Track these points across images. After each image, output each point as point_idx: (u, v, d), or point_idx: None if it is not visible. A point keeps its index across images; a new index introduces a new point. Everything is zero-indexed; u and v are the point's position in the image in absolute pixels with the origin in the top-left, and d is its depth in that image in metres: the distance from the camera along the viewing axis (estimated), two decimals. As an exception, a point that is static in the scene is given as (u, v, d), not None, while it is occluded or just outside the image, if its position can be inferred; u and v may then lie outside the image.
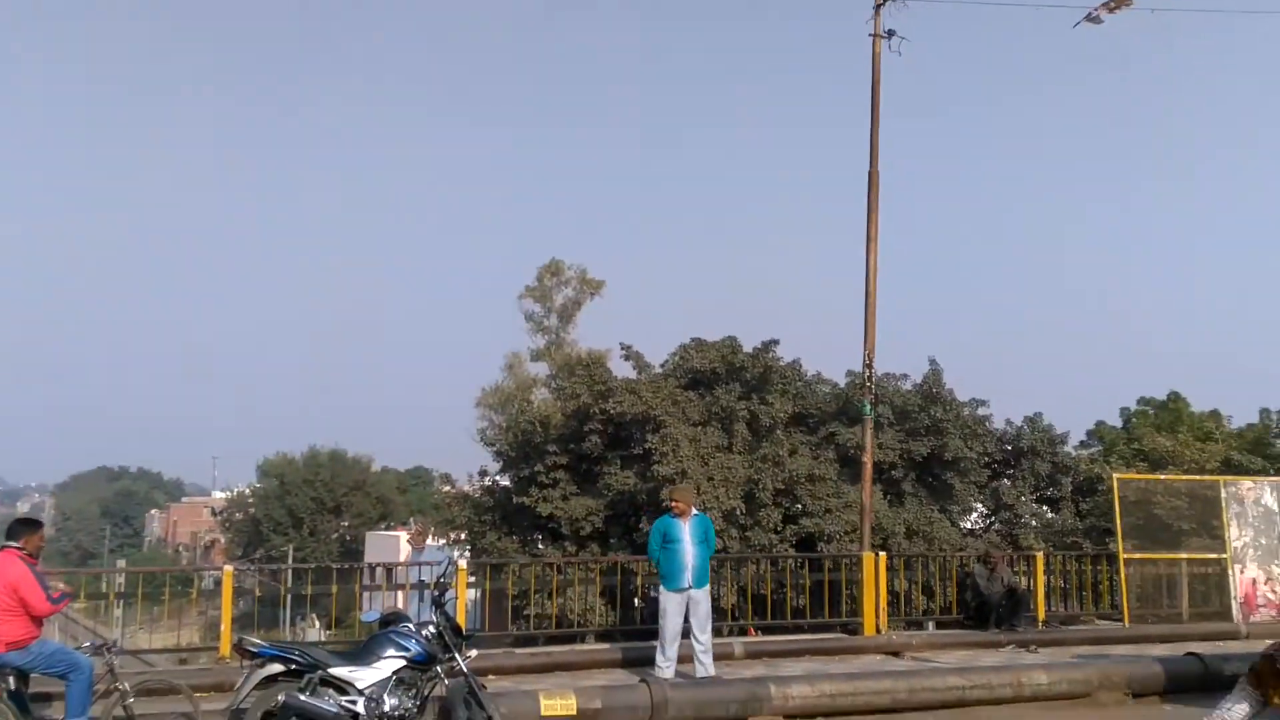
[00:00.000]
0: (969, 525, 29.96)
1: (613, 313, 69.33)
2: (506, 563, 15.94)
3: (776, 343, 29.32)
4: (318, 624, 46.84)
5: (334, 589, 13.66)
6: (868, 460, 16.47)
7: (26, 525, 8.45)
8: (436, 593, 8.79)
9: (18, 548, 8.13)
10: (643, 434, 26.50)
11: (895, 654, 14.05)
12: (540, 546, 27.94)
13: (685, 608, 11.26)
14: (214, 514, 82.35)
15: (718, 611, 14.40)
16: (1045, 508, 30.74)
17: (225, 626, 11.91)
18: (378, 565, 14.24)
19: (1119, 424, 35.90)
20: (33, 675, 8.16)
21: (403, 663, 8.19)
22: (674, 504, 11.58)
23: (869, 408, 16.36)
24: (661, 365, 30.00)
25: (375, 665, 8.15)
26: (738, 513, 24.84)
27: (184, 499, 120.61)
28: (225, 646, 11.61)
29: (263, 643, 8.20)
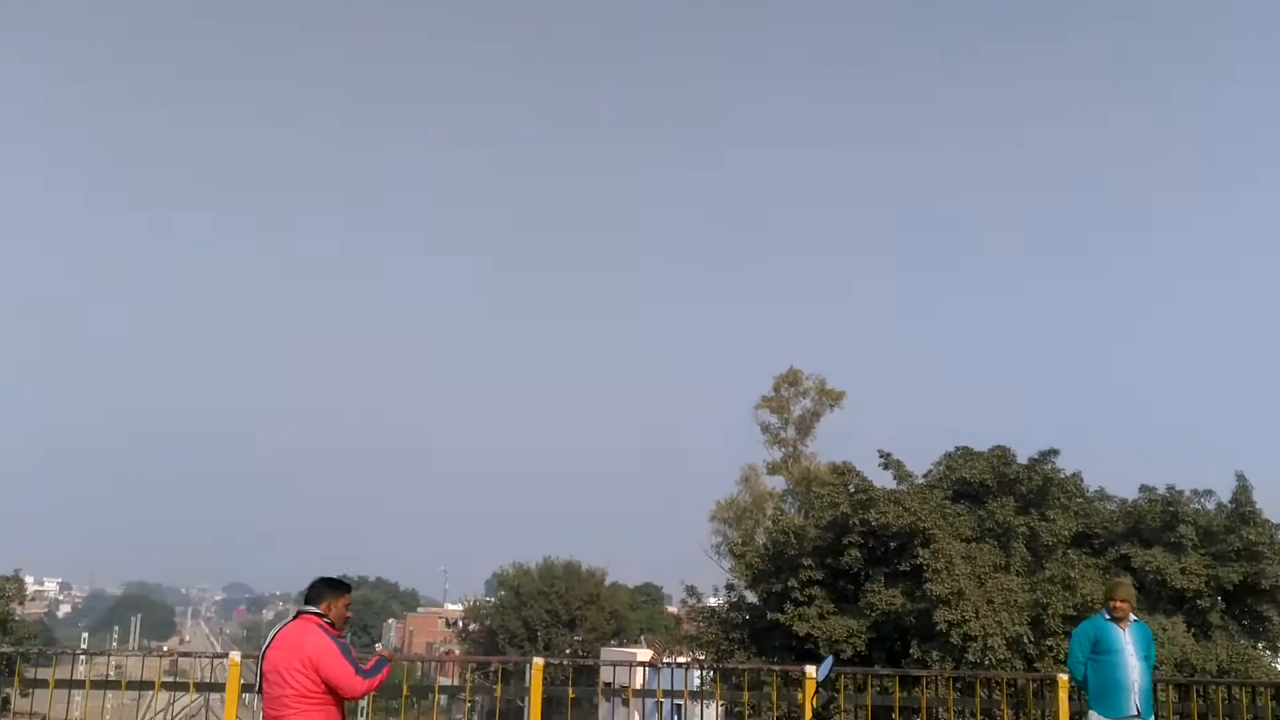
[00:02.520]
0: (1288, 666, 26.01)
1: (853, 426, 66.89)
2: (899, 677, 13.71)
3: (1056, 453, 26.64)
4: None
5: (569, 694, 12.03)
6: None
7: (331, 586, 6.61)
8: (819, 704, 7.08)
9: (317, 614, 6.46)
10: (910, 549, 24.27)
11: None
12: (768, 667, 25.92)
13: None
14: (448, 624, 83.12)
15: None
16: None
17: None
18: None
19: None
20: None
21: None
22: (1115, 604, 9.20)
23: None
24: (924, 476, 27.75)
25: None
26: (1024, 640, 22.16)
27: (419, 609, 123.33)
28: None
29: None
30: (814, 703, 7.19)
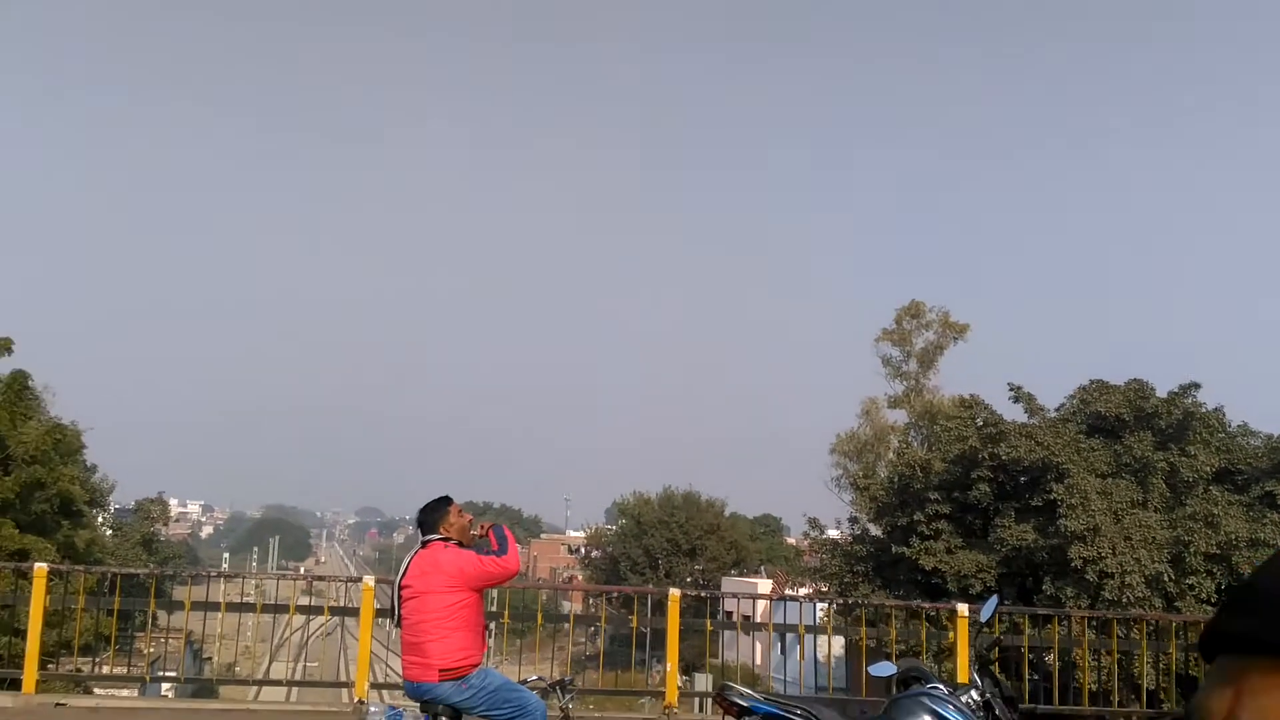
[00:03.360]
0: None
1: (977, 359, 65.40)
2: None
3: (1197, 386, 25.51)
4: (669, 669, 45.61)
5: (707, 626, 11.93)
6: None
7: (432, 510, 6.42)
8: (983, 647, 6.53)
9: (441, 539, 6.30)
10: (1042, 483, 23.59)
11: None
12: (917, 604, 25.55)
13: None
14: (571, 551, 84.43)
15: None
16: None
17: (672, 668, 10.05)
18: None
19: None
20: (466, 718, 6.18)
21: None
22: None
23: None
24: (1056, 409, 26.87)
25: None
26: (1164, 579, 21.39)
27: (542, 536, 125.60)
28: (672, 692, 9.89)
29: (754, 694, 6.31)
30: (976, 644, 6.70)
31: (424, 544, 6.41)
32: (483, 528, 6.58)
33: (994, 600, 6.79)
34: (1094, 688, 14.01)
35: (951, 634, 9.41)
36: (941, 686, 6.19)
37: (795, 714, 6.00)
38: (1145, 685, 14.72)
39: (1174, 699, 15.51)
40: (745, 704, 6.10)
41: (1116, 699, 11.88)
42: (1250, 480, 24.82)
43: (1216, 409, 25.89)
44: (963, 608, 9.32)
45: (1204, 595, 21.66)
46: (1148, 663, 12.17)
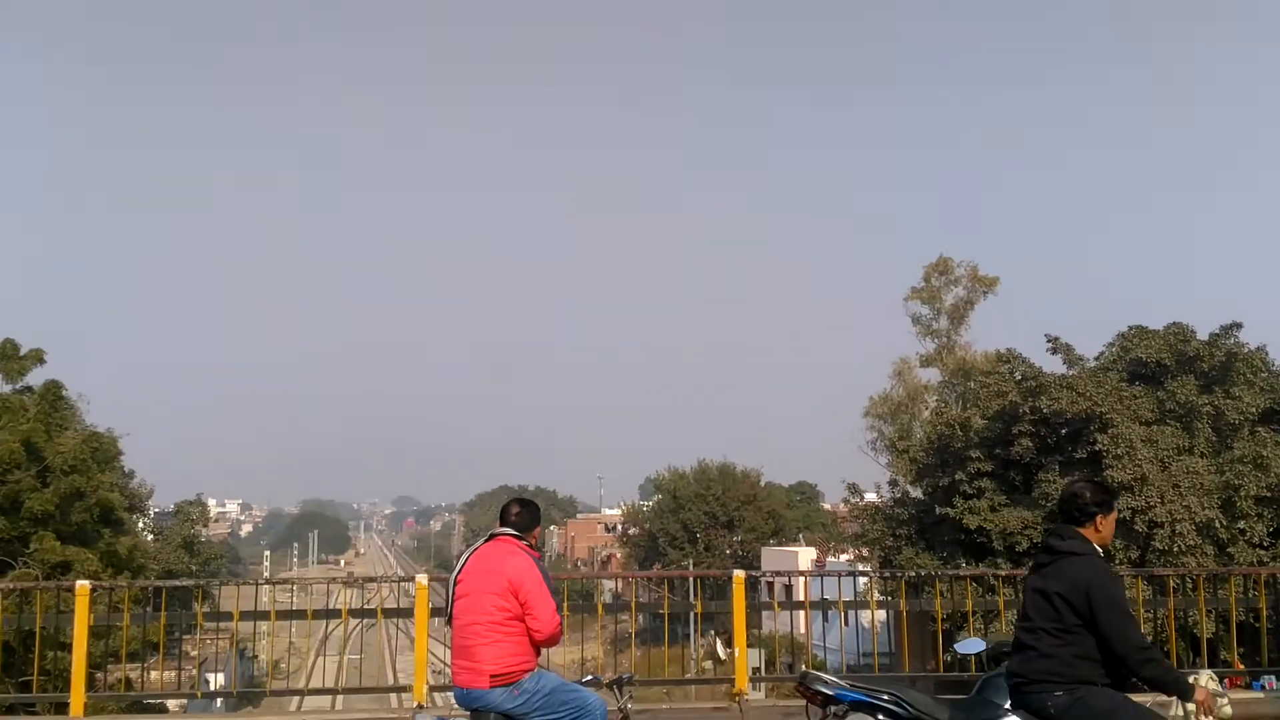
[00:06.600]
0: None
1: (1010, 311, 64.83)
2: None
3: (1239, 326, 25.00)
4: (719, 644, 45.73)
5: (775, 608, 11.64)
6: None
7: (528, 510, 6.03)
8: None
9: (517, 536, 5.86)
10: (1085, 435, 23.21)
11: None
12: (964, 564, 25.18)
13: None
14: (608, 529, 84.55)
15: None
16: None
17: (741, 653, 9.47)
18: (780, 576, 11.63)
19: None
20: None
21: None
22: None
23: None
24: (1096, 358, 26.45)
25: None
26: (1216, 525, 21.00)
27: (578, 515, 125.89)
28: (741, 678, 9.57)
29: (839, 682, 5.95)
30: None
31: (491, 537, 5.97)
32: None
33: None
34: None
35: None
36: None
37: (883, 699, 5.66)
38: (1204, 637, 14.43)
39: (1233, 650, 15.16)
40: (830, 692, 5.75)
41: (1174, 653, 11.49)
42: (1298, 419, 24.38)
43: (1259, 348, 25.38)
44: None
45: (1256, 539, 21.28)
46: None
